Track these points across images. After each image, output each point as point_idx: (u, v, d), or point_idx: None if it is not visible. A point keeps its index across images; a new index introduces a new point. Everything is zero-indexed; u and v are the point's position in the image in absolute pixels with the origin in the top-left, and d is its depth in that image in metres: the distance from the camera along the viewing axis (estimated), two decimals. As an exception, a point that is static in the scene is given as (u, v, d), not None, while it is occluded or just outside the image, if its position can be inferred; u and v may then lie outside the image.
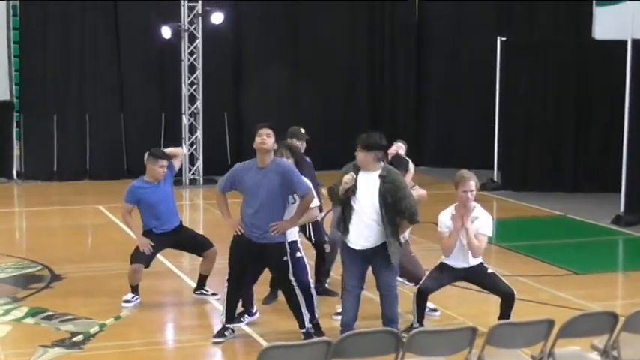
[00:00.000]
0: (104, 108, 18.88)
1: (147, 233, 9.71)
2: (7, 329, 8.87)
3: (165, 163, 9.67)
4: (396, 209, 8.01)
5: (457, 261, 8.58)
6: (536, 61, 17.61)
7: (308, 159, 9.90)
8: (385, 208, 7.99)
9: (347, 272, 8.30)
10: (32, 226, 15.08)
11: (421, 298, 8.56)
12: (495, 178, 18.06)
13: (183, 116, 18.67)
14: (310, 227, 9.64)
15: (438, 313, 9.29)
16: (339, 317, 8.55)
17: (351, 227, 8.12)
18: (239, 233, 8.27)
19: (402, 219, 8.12)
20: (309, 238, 9.78)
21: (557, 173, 17.66)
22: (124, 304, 9.59)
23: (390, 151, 9.32)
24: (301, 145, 9.84)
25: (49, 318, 9.17)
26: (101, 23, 18.97)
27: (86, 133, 18.79)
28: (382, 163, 8.17)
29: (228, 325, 8.58)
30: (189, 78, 18.66)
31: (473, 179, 8.43)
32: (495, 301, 8.55)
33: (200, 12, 18.44)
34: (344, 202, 8.18)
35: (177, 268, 11.11)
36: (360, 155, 8.08)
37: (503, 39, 17.86)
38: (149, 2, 18.67)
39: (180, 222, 9.94)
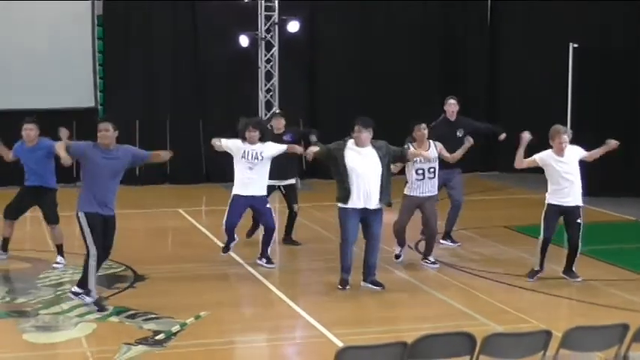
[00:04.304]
0: (183, 114, 19.25)
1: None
2: (93, 327, 9.11)
3: (28, 126, 11.15)
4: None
5: (567, 197, 10.30)
6: (608, 68, 17.35)
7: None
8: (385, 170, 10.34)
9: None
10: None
11: (544, 247, 10.45)
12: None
13: (260, 122, 18.93)
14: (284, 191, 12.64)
15: (437, 266, 11.34)
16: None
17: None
18: None
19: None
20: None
21: (629, 179, 17.46)
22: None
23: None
24: (277, 123, 12.76)
25: (132, 317, 9.41)
26: (181, 32, 19.38)
27: (166, 139, 19.07)
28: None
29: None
30: (265, 85, 18.97)
31: (567, 132, 10.37)
32: (567, 304, 8.57)
33: (277, 21, 18.73)
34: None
35: (256, 271, 11.33)
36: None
37: (576, 45, 17.69)
38: (228, 12, 19.00)
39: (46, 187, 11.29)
